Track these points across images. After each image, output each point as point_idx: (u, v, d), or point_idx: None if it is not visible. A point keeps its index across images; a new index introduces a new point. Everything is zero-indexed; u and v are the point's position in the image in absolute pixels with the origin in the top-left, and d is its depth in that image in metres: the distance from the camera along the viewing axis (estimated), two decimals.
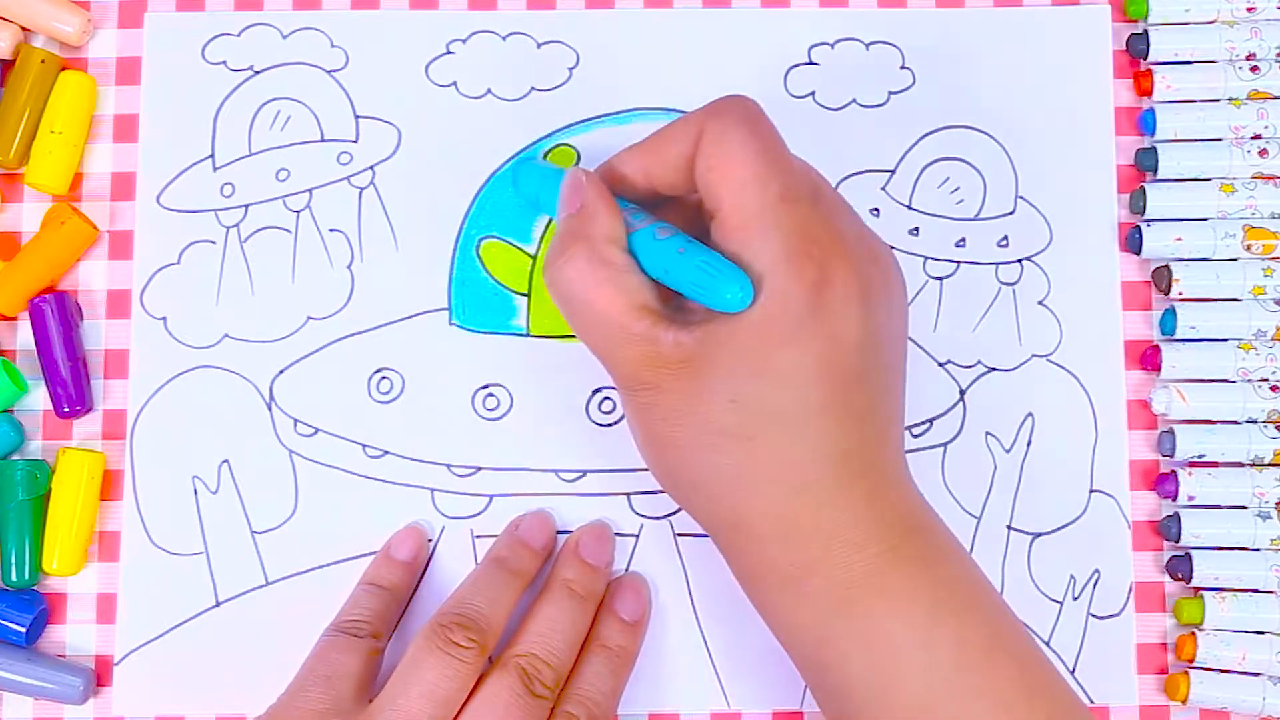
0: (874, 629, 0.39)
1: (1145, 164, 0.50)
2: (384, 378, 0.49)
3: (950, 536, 0.41)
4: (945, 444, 0.49)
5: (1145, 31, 0.50)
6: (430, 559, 0.48)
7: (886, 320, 0.40)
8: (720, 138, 0.40)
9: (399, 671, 0.42)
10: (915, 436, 0.49)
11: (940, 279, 0.50)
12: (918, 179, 0.50)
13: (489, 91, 0.51)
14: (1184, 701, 0.47)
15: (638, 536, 0.48)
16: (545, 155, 0.50)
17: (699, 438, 0.39)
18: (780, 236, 0.39)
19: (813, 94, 0.51)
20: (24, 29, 0.50)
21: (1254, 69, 0.50)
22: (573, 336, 0.49)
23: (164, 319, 0.49)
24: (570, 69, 0.51)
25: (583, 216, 0.41)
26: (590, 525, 0.48)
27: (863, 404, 0.39)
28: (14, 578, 0.47)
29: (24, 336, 0.49)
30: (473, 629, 0.43)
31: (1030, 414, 0.49)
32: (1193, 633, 0.48)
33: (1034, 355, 0.50)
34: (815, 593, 0.39)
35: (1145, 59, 0.50)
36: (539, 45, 0.51)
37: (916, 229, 0.50)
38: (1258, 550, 0.48)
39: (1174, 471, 0.48)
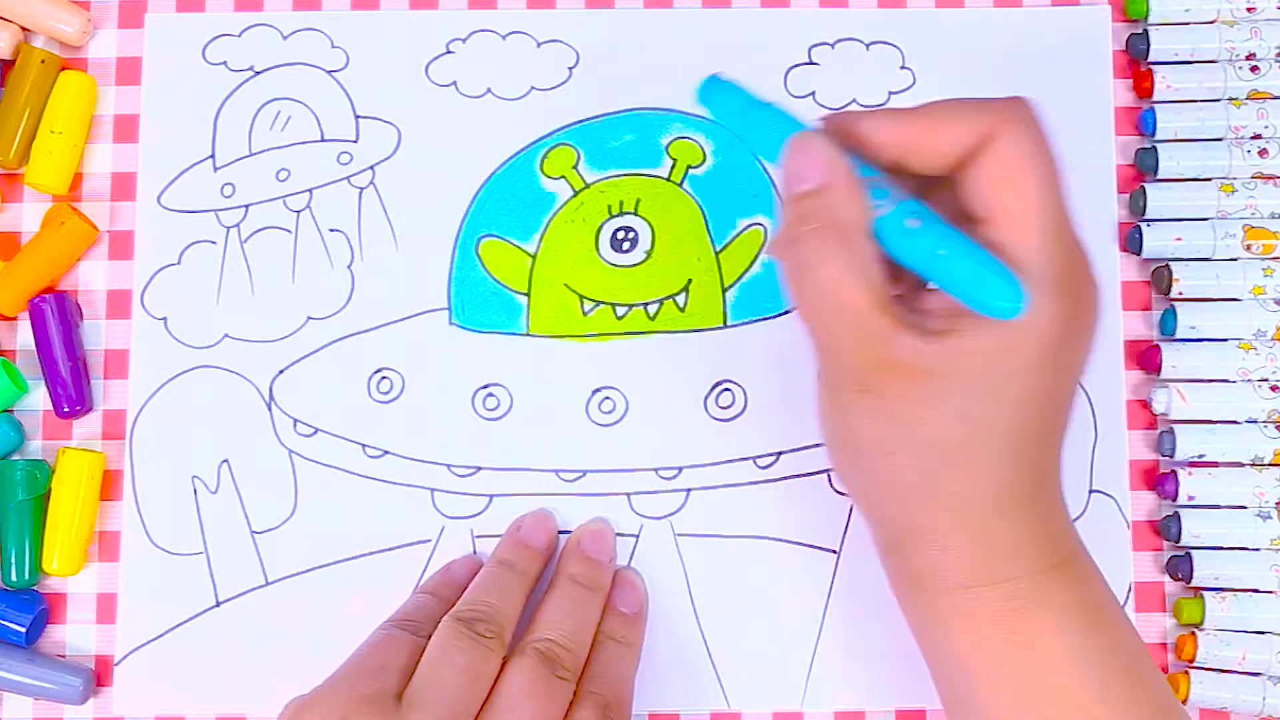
0: (1033, 640, 0.38)
1: (1145, 164, 0.50)
2: (384, 378, 0.49)
3: (1091, 557, 0.41)
4: None
5: (1145, 31, 0.50)
6: (427, 565, 0.48)
7: (1085, 361, 0.39)
8: (1018, 146, 0.37)
9: (428, 660, 0.42)
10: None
11: None
12: None
13: (489, 91, 0.51)
14: (1184, 701, 0.47)
15: (638, 536, 0.48)
16: (545, 155, 0.50)
17: (914, 449, 0.37)
18: (1058, 263, 0.37)
19: (813, 94, 0.51)
20: (24, 29, 0.50)
21: (1254, 69, 0.50)
22: (573, 336, 0.49)
23: (164, 319, 0.49)
24: (570, 68, 0.51)
25: (829, 196, 0.37)
26: (590, 523, 0.48)
27: (1061, 432, 0.39)
28: (14, 578, 0.47)
29: (24, 336, 0.49)
30: (491, 622, 0.43)
31: None
32: (1193, 633, 0.48)
33: None
34: (980, 600, 0.39)
35: (1145, 59, 0.50)
36: (539, 45, 0.51)
37: None
38: (1258, 550, 0.48)
39: (1174, 471, 0.48)
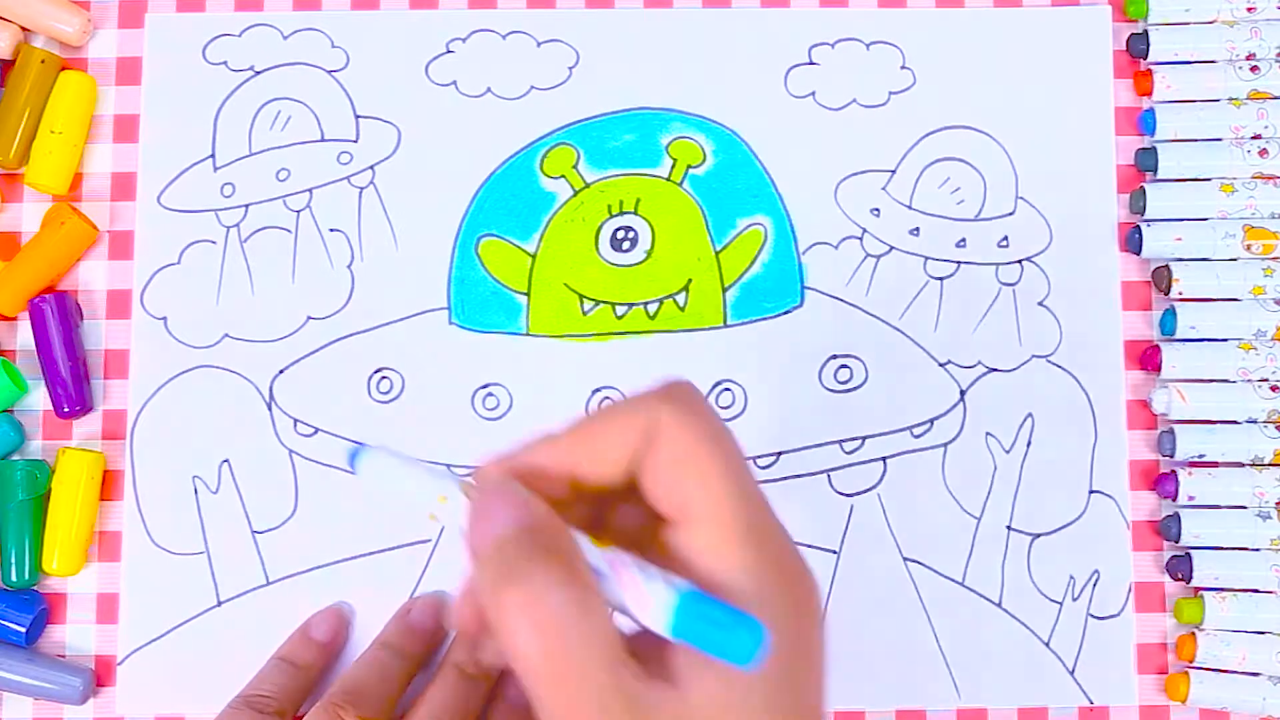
0: None
1: (1145, 164, 0.50)
2: (384, 378, 0.49)
3: None
4: (945, 444, 0.49)
5: (1145, 31, 0.50)
6: (349, 634, 0.48)
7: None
8: (684, 430, 0.32)
9: None
10: (916, 437, 0.49)
11: (940, 279, 0.50)
12: (918, 179, 0.50)
13: (489, 91, 0.51)
14: (1184, 701, 0.47)
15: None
16: (545, 154, 0.50)
17: None
18: (757, 552, 0.31)
19: (813, 94, 0.51)
20: (24, 29, 0.50)
21: (1254, 69, 0.50)
22: (573, 336, 0.49)
23: (164, 319, 0.49)
24: (570, 68, 0.51)
25: (530, 539, 0.30)
26: None
27: None
28: (14, 578, 0.47)
29: (24, 336, 0.49)
30: (363, 708, 0.43)
31: (1030, 414, 0.49)
32: (1193, 633, 0.48)
33: (1034, 355, 0.50)
34: None
35: (1145, 59, 0.50)
36: (539, 44, 0.51)
37: (917, 229, 0.50)
38: (1258, 550, 0.48)
39: (1174, 471, 0.48)
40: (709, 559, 0.31)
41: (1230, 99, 0.50)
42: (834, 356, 0.49)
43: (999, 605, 0.48)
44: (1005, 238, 0.50)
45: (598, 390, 0.49)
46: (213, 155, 0.50)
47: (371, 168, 0.50)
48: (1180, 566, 0.48)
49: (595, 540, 0.31)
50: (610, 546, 0.31)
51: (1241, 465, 0.49)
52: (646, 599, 0.30)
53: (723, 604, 0.30)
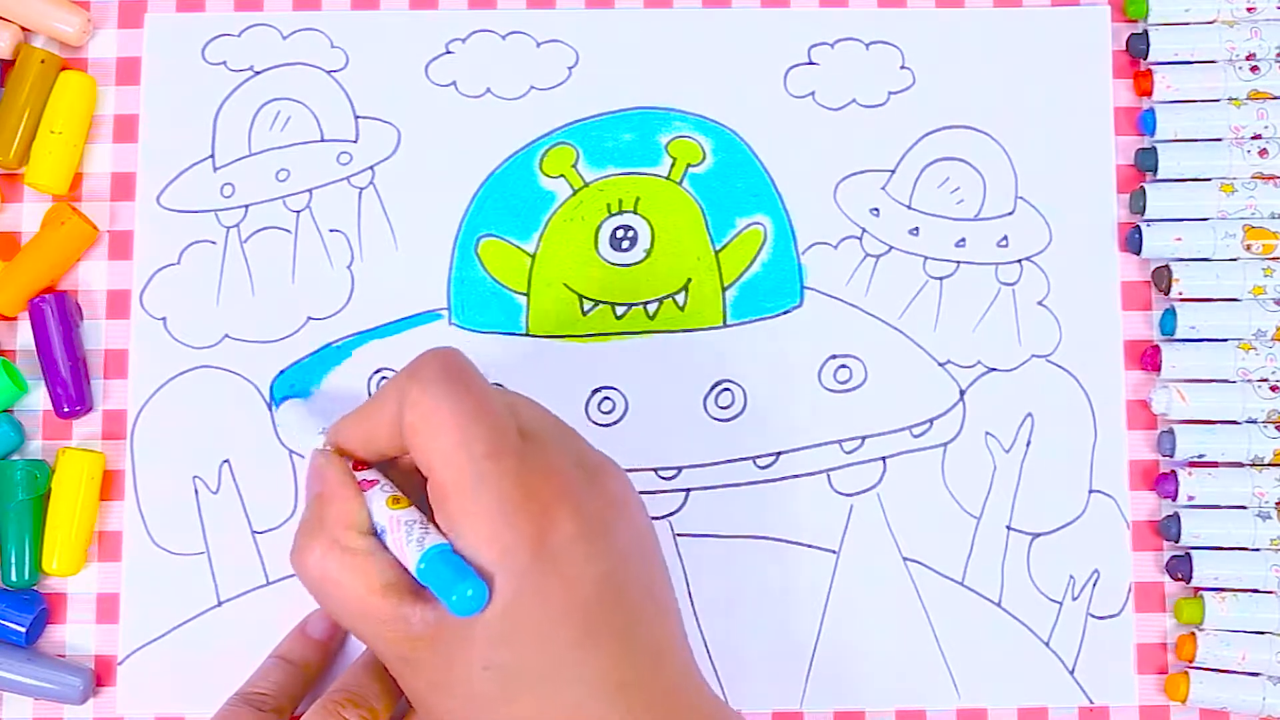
0: None
1: (1145, 164, 0.50)
2: (384, 378, 0.49)
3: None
4: (945, 444, 0.49)
5: (1145, 31, 0.50)
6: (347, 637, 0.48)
7: (628, 543, 0.40)
8: (419, 400, 0.39)
9: None
10: (915, 436, 0.49)
11: (940, 279, 0.50)
12: (918, 179, 0.50)
13: (488, 91, 0.51)
14: (1184, 701, 0.47)
15: None
16: (545, 154, 0.50)
17: (465, 708, 0.39)
18: (492, 499, 0.38)
19: (813, 94, 0.51)
20: (24, 29, 0.50)
21: (1254, 69, 0.50)
22: (572, 336, 0.49)
23: (164, 319, 0.49)
24: (570, 68, 0.51)
25: (320, 502, 0.41)
26: None
27: (623, 634, 0.39)
28: (14, 578, 0.47)
29: (24, 336, 0.49)
30: (364, 706, 0.43)
31: (1030, 414, 0.49)
32: (1193, 633, 0.48)
33: (1034, 355, 0.50)
34: None
35: (1145, 59, 0.50)
36: (538, 44, 0.51)
37: (916, 229, 0.50)
38: (1258, 550, 0.48)
39: (1174, 471, 0.48)
40: (445, 512, 0.39)
41: (1230, 99, 0.50)
42: (834, 356, 0.49)
43: (999, 605, 0.48)
44: (1005, 237, 0.50)
45: (597, 390, 0.49)
46: (212, 155, 0.50)
47: (371, 168, 0.50)
48: (1180, 566, 0.48)
49: (391, 501, 0.40)
50: (404, 507, 0.40)
51: (1241, 465, 0.49)
52: (405, 554, 0.39)
53: (454, 564, 0.37)
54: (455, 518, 0.38)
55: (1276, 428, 0.48)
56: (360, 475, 0.42)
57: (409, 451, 0.40)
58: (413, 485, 0.41)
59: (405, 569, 0.39)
